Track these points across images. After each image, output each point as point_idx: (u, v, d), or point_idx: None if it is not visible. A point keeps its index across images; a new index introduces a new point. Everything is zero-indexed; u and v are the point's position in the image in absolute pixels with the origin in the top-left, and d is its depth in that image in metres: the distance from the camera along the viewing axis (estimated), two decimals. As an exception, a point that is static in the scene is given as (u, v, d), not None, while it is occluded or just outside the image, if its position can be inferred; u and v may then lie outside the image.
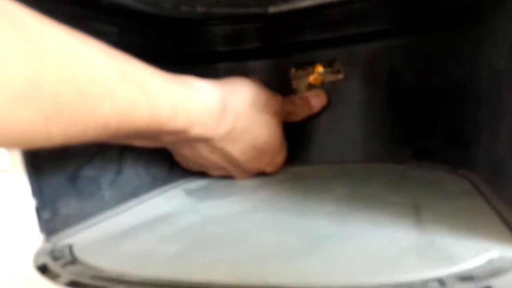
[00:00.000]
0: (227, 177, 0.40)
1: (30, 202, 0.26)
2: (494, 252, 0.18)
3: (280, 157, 0.39)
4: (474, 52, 0.32)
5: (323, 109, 0.44)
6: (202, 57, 0.47)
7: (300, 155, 0.44)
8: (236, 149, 0.35)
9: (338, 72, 0.44)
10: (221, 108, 0.32)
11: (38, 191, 0.26)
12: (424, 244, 0.20)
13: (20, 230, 0.28)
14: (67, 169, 0.29)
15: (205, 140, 0.33)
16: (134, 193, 0.35)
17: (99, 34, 0.24)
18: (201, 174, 0.40)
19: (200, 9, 0.41)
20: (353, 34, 0.42)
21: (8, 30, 0.18)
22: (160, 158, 0.38)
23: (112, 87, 0.23)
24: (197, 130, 0.30)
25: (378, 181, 0.33)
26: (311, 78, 0.45)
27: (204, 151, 0.34)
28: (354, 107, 0.43)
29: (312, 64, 0.45)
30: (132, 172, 0.35)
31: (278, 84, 0.46)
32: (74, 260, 0.23)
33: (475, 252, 0.19)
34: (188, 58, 0.45)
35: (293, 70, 0.46)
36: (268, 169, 0.39)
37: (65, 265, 0.23)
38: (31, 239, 0.27)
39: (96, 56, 0.22)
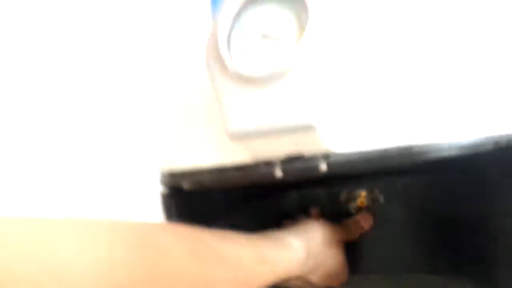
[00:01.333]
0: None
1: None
2: None
3: (343, 275, 0.52)
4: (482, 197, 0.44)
5: (371, 228, 0.57)
6: (273, 188, 0.61)
7: (356, 265, 0.56)
8: (315, 278, 0.48)
9: (378, 197, 0.58)
10: (306, 256, 0.45)
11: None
12: None
13: None
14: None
15: (295, 278, 0.46)
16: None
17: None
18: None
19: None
20: (389, 169, 0.56)
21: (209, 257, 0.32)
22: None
23: (255, 273, 0.37)
24: (292, 275, 0.44)
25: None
26: (359, 202, 0.59)
27: (292, 282, 0.48)
28: (395, 225, 0.56)
29: (358, 191, 0.59)
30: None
31: (333, 208, 0.60)
32: None
33: None
34: (263, 192, 0.60)
35: (344, 195, 0.60)
36: (335, 284, 0.52)
37: None
38: None
39: (245, 253, 0.36)
